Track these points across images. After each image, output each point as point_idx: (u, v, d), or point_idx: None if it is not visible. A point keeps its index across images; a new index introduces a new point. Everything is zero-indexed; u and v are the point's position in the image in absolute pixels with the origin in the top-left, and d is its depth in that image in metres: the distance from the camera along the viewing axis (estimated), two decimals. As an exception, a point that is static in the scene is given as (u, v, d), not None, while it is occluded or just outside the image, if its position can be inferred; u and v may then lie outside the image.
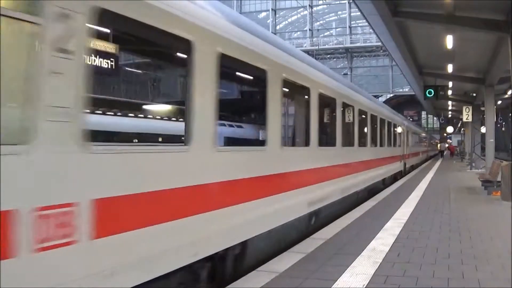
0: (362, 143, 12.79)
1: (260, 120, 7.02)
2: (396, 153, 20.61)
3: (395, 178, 20.35)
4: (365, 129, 13.35)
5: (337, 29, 68.64)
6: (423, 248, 6.71)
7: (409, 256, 6.27)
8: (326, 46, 63.35)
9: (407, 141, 25.31)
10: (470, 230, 8.13)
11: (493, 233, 7.87)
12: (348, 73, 61.70)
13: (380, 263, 5.83)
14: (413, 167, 28.93)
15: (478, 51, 18.90)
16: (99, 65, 3.92)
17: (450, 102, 36.96)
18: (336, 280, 5.08)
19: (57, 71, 3.01)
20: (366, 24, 25.96)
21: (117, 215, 3.52)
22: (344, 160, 10.42)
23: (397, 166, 20.77)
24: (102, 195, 3.35)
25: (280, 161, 6.59)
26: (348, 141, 11.14)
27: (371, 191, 14.23)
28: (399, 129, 21.75)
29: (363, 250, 6.49)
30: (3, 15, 2.69)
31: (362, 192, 12.75)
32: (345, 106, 10.78)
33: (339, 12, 67.96)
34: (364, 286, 4.90)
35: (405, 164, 23.93)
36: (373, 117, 14.31)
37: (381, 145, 16.10)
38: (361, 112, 12.35)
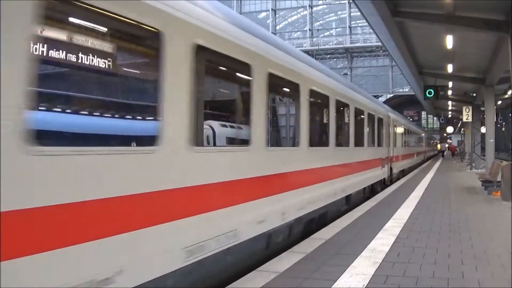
0: (295, 142, 7.86)
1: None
2: (376, 156, 15.17)
3: (373, 189, 14.98)
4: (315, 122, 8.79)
5: (337, 29, 68.60)
6: (423, 248, 6.71)
7: (409, 256, 6.27)
8: (326, 46, 63.29)
9: (394, 139, 19.75)
10: (470, 230, 8.12)
11: (493, 233, 7.87)
12: (348, 73, 61.68)
13: (380, 263, 5.82)
14: (404, 172, 23.71)
15: (478, 51, 18.89)
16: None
17: (450, 102, 36.94)
18: (336, 280, 5.08)
19: None
20: (366, 24, 25.92)
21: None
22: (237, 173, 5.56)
23: (376, 174, 15.01)
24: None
25: None
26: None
27: (317, 221, 8.72)
28: (381, 123, 16.33)
29: (363, 250, 6.49)
30: None
31: (283, 229, 6.97)
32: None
33: (339, 12, 67.91)
34: (364, 286, 4.90)
35: (391, 169, 18.52)
36: (321, 97, 9.02)
37: (340, 145, 10.45)
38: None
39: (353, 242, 7.07)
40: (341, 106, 10.55)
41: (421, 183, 17.73)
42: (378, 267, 5.66)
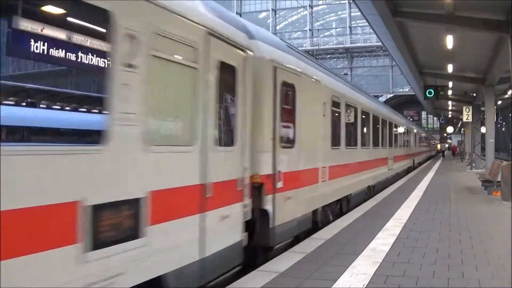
0: None
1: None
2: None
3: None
4: None
5: (337, 29, 68.62)
6: (423, 248, 6.71)
7: (409, 256, 6.27)
8: (326, 46, 63.30)
9: (299, 124, 7.32)
10: (470, 230, 8.13)
11: (493, 233, 7.88)
12: (348, 73, 61.69)
13: (380, 263, 5.83)
14: (349, 204, 11.24)
15: (478, 51, 18.89)
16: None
17: (450, 102, 36.94)
18: (336, 280, 5.08)
19: None
20: (366, 24, 25.96)
21: None
22: None
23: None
24: None
25: None
26: None
27: None
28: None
29: (363, 250, 6.49)
30: None
31: None
32: None
33: (339, 12, 67.92)
34: (364, 286, 4.90)
35: (254, 229, 6.18)
36: None
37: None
38: None
39: (353, 242, 7.08)
40: None
41: (421, 183, 17.74)
42: (378, 267, 5.66)
